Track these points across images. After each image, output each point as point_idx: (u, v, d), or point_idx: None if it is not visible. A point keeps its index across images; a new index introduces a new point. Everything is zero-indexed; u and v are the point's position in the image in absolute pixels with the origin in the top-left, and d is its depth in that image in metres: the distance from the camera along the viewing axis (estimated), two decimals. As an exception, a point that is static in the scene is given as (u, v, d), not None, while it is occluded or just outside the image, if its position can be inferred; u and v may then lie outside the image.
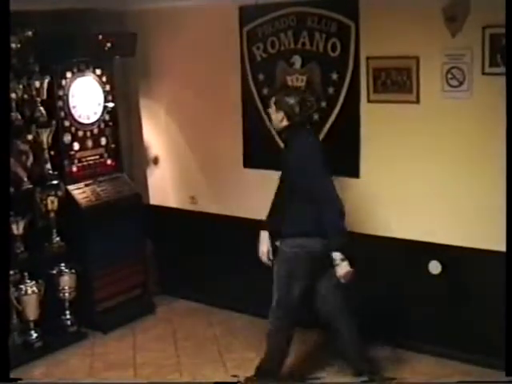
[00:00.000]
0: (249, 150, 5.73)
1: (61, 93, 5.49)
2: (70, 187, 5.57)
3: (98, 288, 5.66)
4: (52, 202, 5.40)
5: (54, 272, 5.45)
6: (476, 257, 4.63)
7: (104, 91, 5.80)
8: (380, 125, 5.00)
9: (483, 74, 4.49)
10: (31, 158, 5.36)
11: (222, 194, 5.93)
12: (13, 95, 5.18)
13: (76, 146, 5.64)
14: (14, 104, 5.21)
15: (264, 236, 4.59)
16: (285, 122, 4.40)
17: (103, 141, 5.84)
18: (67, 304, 5.53)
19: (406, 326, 5.10)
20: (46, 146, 5.41)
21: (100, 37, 5.44)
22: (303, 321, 4.79)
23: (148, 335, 5.64)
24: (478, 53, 4.48)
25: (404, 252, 5.03)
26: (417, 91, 4.79)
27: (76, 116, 5.61)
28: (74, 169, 5.64)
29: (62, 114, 5.52)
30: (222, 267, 5.92)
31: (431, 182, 4.83)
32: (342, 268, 4.30)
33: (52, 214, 5.43)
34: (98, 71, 5.76)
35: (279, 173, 5.29)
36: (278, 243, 4.52)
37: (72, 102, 5.56)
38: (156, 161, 6.31)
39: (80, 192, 5.60)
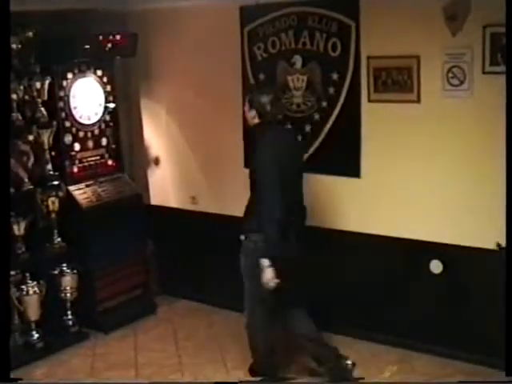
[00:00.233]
0: (250, 150, 5.72)
1: (62, 93, 5.49)
2: (71, 188, 5.57)
3: (100, 288, 5.66)
4: (53, 203, 5.40)
5: (56, 272, 5.45)
6: (477, 256, 4.63)
7: (105, 92, 5.80)
8: (381, 124, 5.00)
9: (484, 73, 4.49)
10: (32, 159, 5.36)
11: (223, 195, 5.93)
12: (14, 96, 5.19)
13: (77, 146, 5.64)
14: (14, 105, 5.22)
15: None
16: (256, 120, 4.45)
17: (104, 141, 5.85)
18: (68, 304, 5.53)
19: (406, 325, 5.09)
20: (46, 147, 5.42)
21: (101, 37, 5.45)
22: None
23: (149, 335, 5.64)
24: (478, 52, 4.48)
25: (405, 251, 5.03)
26: (417, 90, 4.79)
27: (77, 117, 5.61)
28: (75, 169, 5.64)
29: (63, 114, 5.52)
30: (223, 267, 5.92)
31: (432, 181, 4.83)
32: (267, 274, 4.33)
33: (53, 215, 5.44)
34: (99, 72, 5.76)
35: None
36: (242, 237, 4.58)
37: (73, 102, 5.57)
38: (157, 161, 6.31)
39: (81, 192, 5.61)
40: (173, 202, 6.25)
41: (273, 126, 4.49)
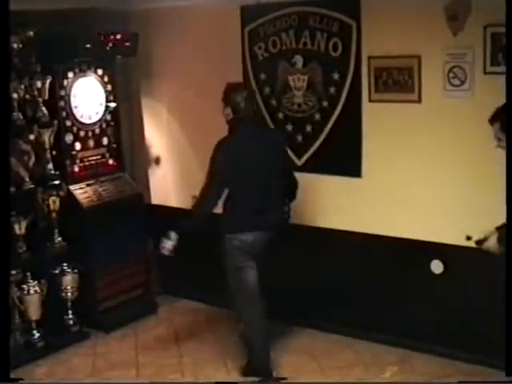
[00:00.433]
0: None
1: (62, 93, 5.49)
2: (72, 187, 5.57)
3: (100, 288, 5.67)
4: (54, 202, 5.41)
5: (56, 272, 5.46)
6: (477, 257, 4.62)
7: (106, 91, 5.81)
8: (382, 124, 5.00)
9: (485, 73, 4.49)
10: (33, 158, 5.36)
11: (223, 194, 5.91)
12: (15, 95, 5.18)
13: (78, 145, 5.64)
14: (15, 104, 5.21)
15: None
16: (231, 116, 4.62)
17: (105, 141, 5.85)
18: (69, 304, 5.54)
19: (406, 325, 5.09)
20: (47, 146, 5.42)
21: (102, 37, 5.45)
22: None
23: (150, 335, 5.64)
24: (479, 52, 4.47)
25: (406, 252, 5.03)
26: (418, 90, 4.78)
27: (78, 116, 5.62)
28: (76, 169, 5.65)
29: (64, 113, 5.52)
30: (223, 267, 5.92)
31: (433, 181, 4.83)
32: (167, 244, 4.74)
33: (54, 214, 5.44)
34: (100, 71, 5.76)
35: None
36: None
37: (74, 101, 5.57)
38: (158, 160, 6.31)
39: (82, 192, 5.61)
40: (174, 202, 6.25)
41: (246, 123, 4.61)
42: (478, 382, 4.28)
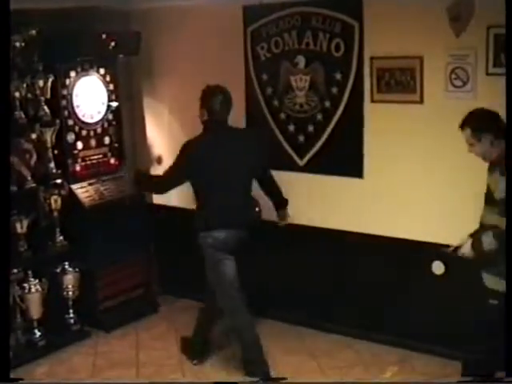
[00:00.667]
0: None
1: (65, 92, 5.49)
2: (74, 186, 5.57)
3: (101, 287, 5.67)
4: (55, 201, 5.41)
5: (58, 271, 5.46)
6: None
7: (108, 90, 5.81)
8: (383, 125, 5.00)
9: (487, 74, 4.49)
10: (35, 157, 5.35)
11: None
12: (17, 94, 5.19)
13: (79, 145, 5.64)
14: (17, 103, 5.22)
15: None
16: (205, 117, 4.74)
17: (107, 140, 5.85)
18: (70, 303, 5.54)
19: (406, 326, 5.10)
20: (49, 145, 5.42)
21: (104, 36, 5.44)
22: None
23: (150, 334, 5.65)
24: (482, 53, 4.48)
25: (407, 252, 5.03)
26: (420, 91, 4.78)
27: (80, 115, 5.62)
28: (78, 168, 5.64)
29: (66, 113, 5.52)
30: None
31: (435, 181, 4.83)
32: None
33: (55, 213, 5.44)
34: (102, 70, 5.76)
35: (280, 172, 5.35)
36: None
37: (76, 101, 5.57)
38: (159, 160, 6.30)
39: (83, 191, 5.61)
40: (175, 202, 6.24)
41: (219, 125, 4.73)
42: (477, 382, 4.27)
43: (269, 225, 5.63)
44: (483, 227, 4.04)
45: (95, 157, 5.76)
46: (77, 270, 5.49)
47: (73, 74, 5.54)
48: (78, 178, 5.63)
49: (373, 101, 5.02)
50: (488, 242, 3.93)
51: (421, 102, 4.80)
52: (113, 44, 5.49)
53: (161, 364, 5.15)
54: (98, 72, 5.73)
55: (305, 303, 5.58)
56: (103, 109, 5.78)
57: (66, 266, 5.47)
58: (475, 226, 4.65)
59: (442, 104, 4.71)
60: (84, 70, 5.62)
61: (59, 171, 5.48)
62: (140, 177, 5.40)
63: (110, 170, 5.87)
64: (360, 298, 5.30)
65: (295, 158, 5.47)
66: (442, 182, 4.81)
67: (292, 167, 5.49)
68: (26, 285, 5.20)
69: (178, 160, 4.77)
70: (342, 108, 5.18)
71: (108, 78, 5.81)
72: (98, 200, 5.62)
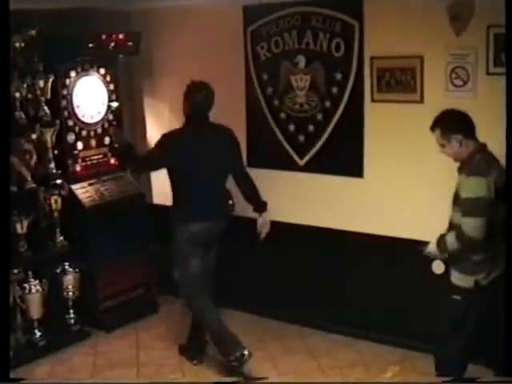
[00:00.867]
0: (253, 149, 5.72)
1: (65, 92, 5.50)
2: (74, 186, 5.57)
3: (102, 287, 5.67)
4: (56, 201, 5.41)
5: (58, 271, 5.46)
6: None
7: (108, 90, 5.81)
8: (384, 124, 5.00)
9: (488, 73, 4.49)
10: (35, 158, 5.36)
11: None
12: (17, 94, 5.19)
13: (80, 145, 5.64)
14: (18, 103, 5.22)
15: None
16: (188, 111, 4.83)
17: (107, 140, 5.85)
18: (71, 303, 5.54)
19: (407, 325, 5.09)
20: (49, 146, 5.42)
21: (104, 36, 5.44)
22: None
23: (151, 334, 5.64)
24: (482, 52, 4.47)
25: (407, 252, 5.02)
26: (421, 91, 4.78)
27: (80, 115, 5.62)
28: (78, 168, 5.65)
29: (66, 113, 5.52)
30: (224, 266, 5.92)
31: (435, 181, 4.82)
32: None
33: (56, 213, 5.44)
34: (102, 70, 5.76)
35: (280, 172, 5.36)
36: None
37: (76, 101, 5.57)
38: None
39: (83, 191, 5.61)
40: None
41: (199, 120, 4.81)
42: (478, 382, 4.27)
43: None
44: (451, 227, 4.09)
45: (95, 157, 5.76)
46: (77, 270, 5.49)
47: (73, 74, 5.54)
48: (78, 179, 5.63)
49: (373, 100, 5.02)
50: (451, 242, 3.99)
51: (421, 101, 4.80)
52: (113, 44, 5.50)
53: (161, 364, 5.15)
54: (98, 72, 5.73)
55: (305, 303, 5.57)
56: (103, 109, 5.78)
57: (66, 267, 5.47)
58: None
59: (443, 103, 4.67)
60: (84, 70, 5.62)
61: (59, 171, 5.49)
62: (126, 148, 5.24)
63: (110, 171, 5.87)
64: (360, 298, 5.30)
65: (295, 157, 5.47)
66: (442, 182, 4.79)
67: (292, 167, 5.49)
68: (26, 285, 5.20)
69: (158, 144, 4.88)
70: (342, 108, 5.17)
71: (108, 78, 5.81)
72: (98, 200, 5.62)
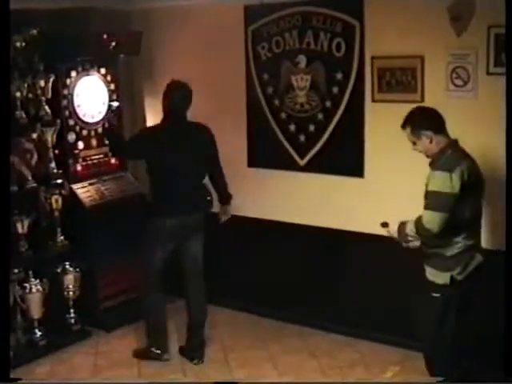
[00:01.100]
0: (253, 149, 5.73)
1: (65, 92, 5.50)
2: (75, 186, 5.57)
3: (102, 287, 5.67)
4: (56, 201, 5.41)
5: (58, 271, 5.45)
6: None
7: (108, 90, 5.81)
8: (384, 124, 4.99)
9: (488, 73, 4.49)
10: (36, 157, 5.35)
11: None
12: (18, 94, 5.19)
13: (80, 144, 5.64)
14: (18, 103, 5.22)
15: None
16: (166, 109, 4.94)
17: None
18: (71, 302, 5.53)
19: (407, 325, 5.08)
20: (50, 145, 5.42)
21: (105, 36, 5.44)
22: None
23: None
24: (482, 52, 4.47)
25: (407, 251, 5.01)
26: (421, 91, 4.78)
27: (80, 115, 5.62)
28: (79, 168, 5.65)
29: (67, 112, 5.52)
30: (225, 266, 5.93)
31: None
32: None
33: (56, 213, 5.44)
34: (103, 70, 5.76)
35: (282, 172, 5.35)
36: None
37: (77, 100, 5.57)
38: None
39: (84, 191, 5.61)
40: (176, 201, 6.24)
41: (177, 117, 4.90)
42: (478, 382, 4.27)
43: (268, 224, 5.65)
44: None
45: (96, 157, 5.76)
46: (77, 269, 5.49)
47: (74, 73, 5.54)
48: (79, 178, 5.63)
49: (374, 100, 5.02)
50: (410, 228, 4.08)
51: (422, 101, 4.78)
52: (113, 44, 5.49)
53: (162, 364, 5.14)
54: (98, 72, 5.73)
55: (305, 303, 5.57)
56: (104, 109, 5.78)
57: (67, 266, 5.46)
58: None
59: (443, 103, 4.68)
60: (85, 70, 5.62)
61: (60, 171, 5.49)
62: (112, 132, 5.41)
63: (111, 170, 5.87)
64: (360, 298, 5.29)
65: (296, 157, 5.46)
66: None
67: (293, 167, 5.49)
68: (26, 285, 5.20)
69: (134, 137, 5.14)
70: (342, 108, 5.17)
71: (109, 78, 5.81)
72: (99, 200, 5.62)
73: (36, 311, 5.25)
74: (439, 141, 4.04)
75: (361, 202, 5.18)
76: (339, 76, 5.15)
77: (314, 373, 4.93)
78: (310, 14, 5.19)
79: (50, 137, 5.39)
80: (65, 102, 5.50)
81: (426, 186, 4.06)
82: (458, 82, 4.61)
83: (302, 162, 5.45)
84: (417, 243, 4.20)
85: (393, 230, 4.24)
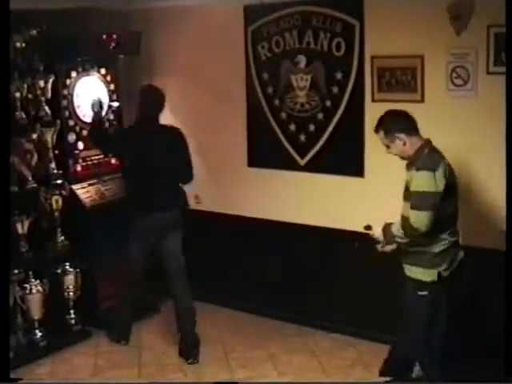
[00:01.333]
0: (253, 149, 5.73)
1: (65, 92, 5.49)
2: (75, 186, 5.57)
3: (102, 287, 5.66)
4: (56, 202, 5.41)
5: (59, 271, 5.45)
6: (479, 256, 4.62)
7: (108, 90, 5.81)
8: (384, 124, 4.98)
9: (488, 73, 4.48)
10: (36, 157, 5.36)
11: (226, 194, 5.93)
12: (17, 94, 5.19)
13: (80, 145, 5.64)
14: (18, 103, 5.22)
15: None
16: (139, 112, 5.15)
17: (107, 140, 5.84)
18: (71, 303, 5.53)
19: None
20: (50, 146, 5.42)
21: (104, 36, 5.44)
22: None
23: (152, 334, 5.64)
24: (482, 52, 4.47)
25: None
26: (421, 90, 4.78)
27: (80, 115, 5.61)
28: (79, 168, 5.64)
29: (67, 113, 5.52)
30: (226, 266, 5.93)
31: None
32: None
33: (56, 213, 5.44)
34: (103, 70, 5.76)
35: (282, 172, 5.34)
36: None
37: (76, 101, 5.57)
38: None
39: (84, 191, 5.60)
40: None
41: (150, 118, 5.06)
42: (478, 382, 4.27)
43: (268, 224, 5.65)
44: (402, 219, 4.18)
45: (96, 157, 5.75)
46: (78, 270, 5.48)
47: (73, 74, 5.53)
48: (79, 179, 5.63)
49: (374, 100, 5.01)
50: (396, 229, 4.09)
51: (422, 101, 4.79)
52: (113, 44, 5.49)
53: (162, 364, 5.15)
54: (98, 72, 5.73)
55: (305, 302, 5.57)
56: (104, 109, 5.77)
57: (67, 267, 5.46)
58: (476, 225, 4.67)
59: (443, 103, 4.71)
60: (85, 70, 5.62)
61: (60, 171, 5.48)
62: (98, 122, 5.44)
63: (111, 171, 5.86)
64: (361, 298, 5.29)
65: (296, 157, 5.46)
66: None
67: (293, 167, 5.49)
68: (26, 285, 5.19)
69: (114, 131, 5.55)
70: (342, 107, 5.17)
71: (109, 78, 5.81)
72: (99, 200, 5.62)
73: (36, 312, 5.25)
74: (413, 142, 4.07)
75: (361, 202, 5.17)
76: (339, 76, 5.14)
77: (315, 373, 4.93)
78: (309, 13, 5.19)
79: (50, 137, 5.39)
80: (65, 103, 5.50)
81: (407, 186, 4.08)
82: (458, 81, 4.61)
83: (302, 162, 5.45)
84: (393, 246, 4.24)
85: (377, 232, 4.26)
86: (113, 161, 5.88)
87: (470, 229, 4.66)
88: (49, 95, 5.36)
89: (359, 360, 5.07)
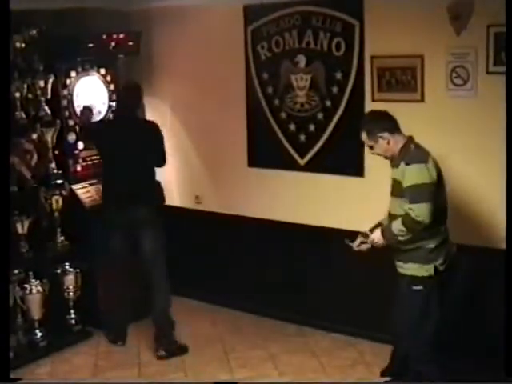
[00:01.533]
0: (253, 149, 5.73)
1: (65, 92, 5.49)
2: (75, 186, 5.57)
3: (102, 287, 5.65)
4: (56, 202, 5.41)
5: (59, 271, 5.46)
6: (478, 256, 4.62)
7: (108, 90, 5.80)
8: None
9: (488, 72, 4.48)
10: (36, 157, 5.36)
11: (227, 194, 5.93)
12: (17, 94, 5.20)
13: (80, 145, 5.64)
14: (18, 103, 5.22)
15: None
16: (117, 106, 5.45)
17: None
18: (72, 303, 5.54)
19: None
20: (50, 146, 5.42)
21: (104, 36, 5.45)
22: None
23: (151, 334, 5.62)
24: (482, 52, 4.47)
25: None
26: (421, 90, 4.78)
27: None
28: (79, 168, 5.64)
29: (67, 113, 5.52)
30: (227, 266, 5.93)
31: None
32: None
33: (56, 214, 5.44)
34: (103, 70, 5.76)
35: (282, 172, 5.34)
36: None
37: (76, 101, 5.56)
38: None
39: (84, 191, 5.61)
40: (176, 201, 6.25)
41: (127, 113, 5.21)
42: (478, 382, 4.27)
43: (268, 224, 5.65)
44: (391, 217, 4.24)
45: (96, 157, 5.74)
46: (78, 270, 5.49)
47: (73, 74, 5.54)
48: (79, 179, 5.63)
49: (374, 100, 5.01)
50: (398, 228, 4.10)
51: (422, 100, 4.79)
52: (113, 44, 5.50)
53: (162, 364, 5.15)
54: (98, 72, 5.73)
55: (305, 302, 5.57)
56: (104, 109, 5.78)
57: (67, 267, 5.47)
58: (476, 225, 4.67)
59: (443, 102, 4.71)
60: (84, 70, 5.62)
61: (60, 171, 5.49)
62: (87, 116, 5.51)
63: (111, 171, 5.86)
64: (361, 297, 5.29)
65: (296, 157, 5.46)
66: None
67: (293, 166, 5.49)
68: (27, 285, 5.20)
69: (91, 123, 5.50)
70: (342, 107, 5.17)
71: (109, 78, 5.81)
72: (99, 200, 5.59)
73: (36, 312, 5.26)
74: (397, 139, 4.12)
75: (361, 202, 5.17)
76: (339, 75, 5.14)
77: (315, 372, 4.93)
78: (309, 13, 5.19)
79: (50, 137, 5.39)
80: (65, 103, 5.50)
81: (397, 183, 4.12)
82: (458, 81, 4.61)
83: (302, 162, 5.45)
84: (369, 245, 4.34)
85: (377, 236, 4.31)
86: (113, 161, 5.88)
87: (469, 228, 4.67)
88: (49, 95, 5.37)
89: (359, 360, 5.07)
